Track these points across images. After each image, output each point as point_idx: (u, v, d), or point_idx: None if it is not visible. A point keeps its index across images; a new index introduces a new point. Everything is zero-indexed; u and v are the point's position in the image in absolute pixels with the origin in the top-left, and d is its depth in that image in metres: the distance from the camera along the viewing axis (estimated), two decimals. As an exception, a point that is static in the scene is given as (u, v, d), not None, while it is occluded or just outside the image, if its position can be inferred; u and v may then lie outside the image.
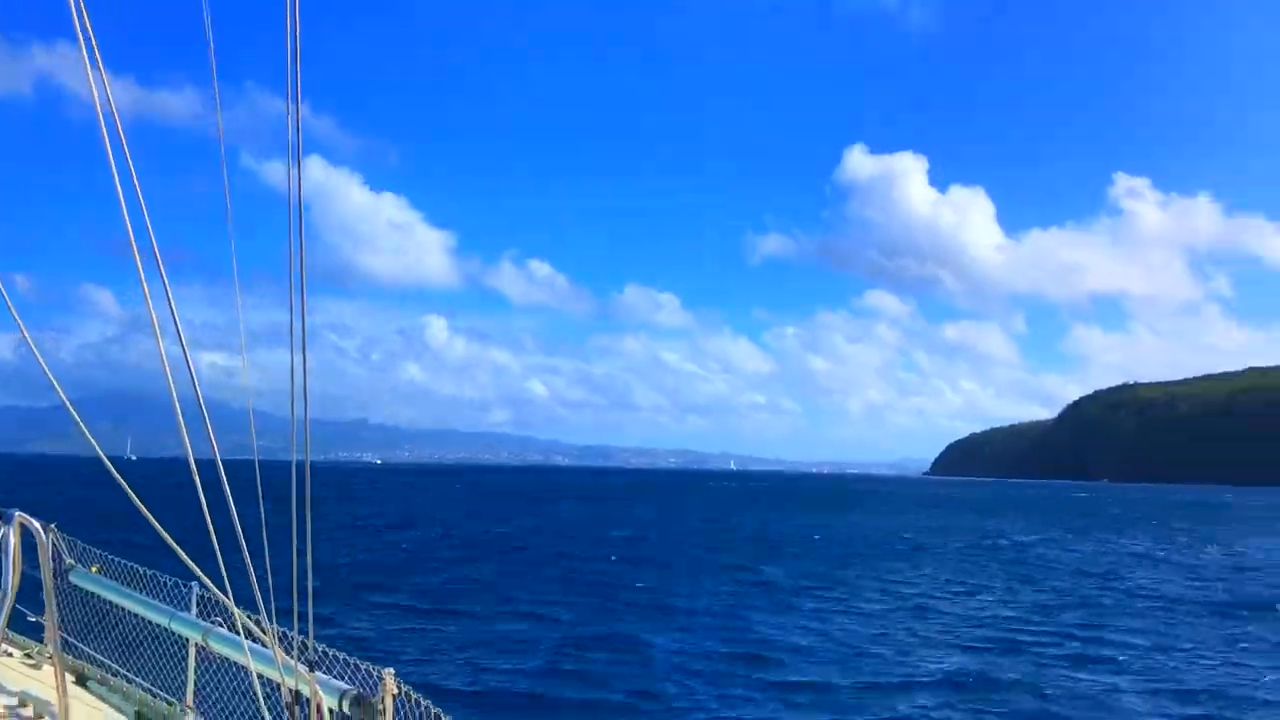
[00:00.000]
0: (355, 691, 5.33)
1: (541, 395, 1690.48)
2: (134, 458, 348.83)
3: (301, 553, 4.77)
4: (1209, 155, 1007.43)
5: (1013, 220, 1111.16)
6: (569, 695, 21.14)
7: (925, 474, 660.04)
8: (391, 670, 5.42)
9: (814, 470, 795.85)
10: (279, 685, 5.46)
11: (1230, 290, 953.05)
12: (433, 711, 5.68)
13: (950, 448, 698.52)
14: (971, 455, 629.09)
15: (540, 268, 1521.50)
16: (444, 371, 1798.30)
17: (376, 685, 5.49)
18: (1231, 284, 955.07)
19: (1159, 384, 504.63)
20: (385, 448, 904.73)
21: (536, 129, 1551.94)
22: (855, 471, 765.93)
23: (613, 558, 49.74)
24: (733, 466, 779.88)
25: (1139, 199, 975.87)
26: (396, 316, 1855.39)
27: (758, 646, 26.54)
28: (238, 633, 5.72)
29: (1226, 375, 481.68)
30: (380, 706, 5.32)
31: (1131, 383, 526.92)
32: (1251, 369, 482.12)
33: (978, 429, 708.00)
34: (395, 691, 5.43)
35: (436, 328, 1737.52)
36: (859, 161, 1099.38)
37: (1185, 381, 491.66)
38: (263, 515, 4.61)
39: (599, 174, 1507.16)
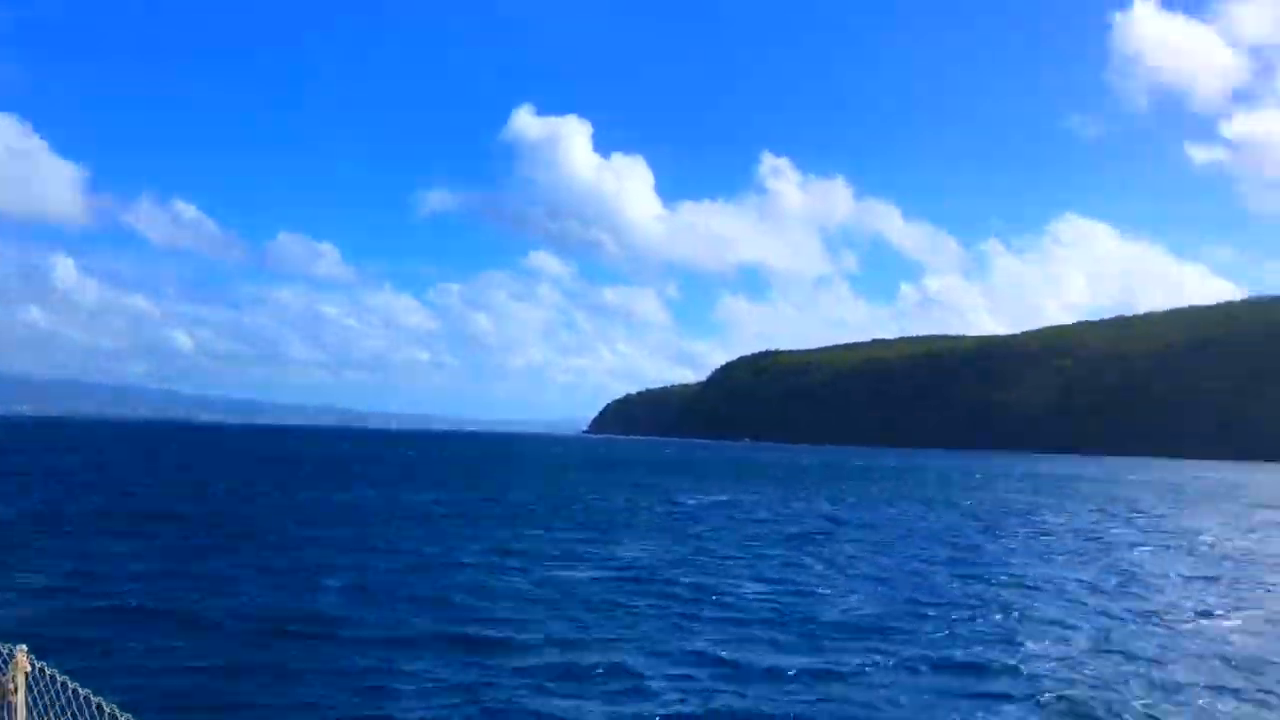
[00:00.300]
0: None
1: (186, 346, 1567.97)
2: None
3: None
4: (844, 140, 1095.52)
5: (670, 191, 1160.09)
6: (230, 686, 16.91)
7: (584, 432, 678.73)
8: (24, 646, 4.92)
9: (477, 429, 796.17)
10: None
11: (858, 268, 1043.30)
12: (70, 686, 5.15)
13: (608, 407, 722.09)
14: (627, 415, 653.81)
15: (184, 208, 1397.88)
16: (74, 317, 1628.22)
17: (5, 664, 4.99)
18: (859, 262, 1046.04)
19: (798, 351, 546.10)
20: (2, 401, 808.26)
21: (181, 54, 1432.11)
22: (518, 430, 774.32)
23: (268, 547, 44.22)
24: (394, 426, 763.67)
25: (782, 178, 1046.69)
26: (14, 255, 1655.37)
27: (443, 646, 22.86)
28: None
29: (855, 345, 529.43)
30: (11, 685, 4.87)
31: (773, 350, 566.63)
32: (876, 340, 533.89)
33: (633, 390, 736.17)
34: (28, 669, 4.94)
35: (63, 269, 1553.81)
36: (526, 122, 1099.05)
37: (821, 350, 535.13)
38: None
39: (250, 110, 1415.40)
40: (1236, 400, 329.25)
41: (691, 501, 71.11)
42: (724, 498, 76.81)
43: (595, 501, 67.48)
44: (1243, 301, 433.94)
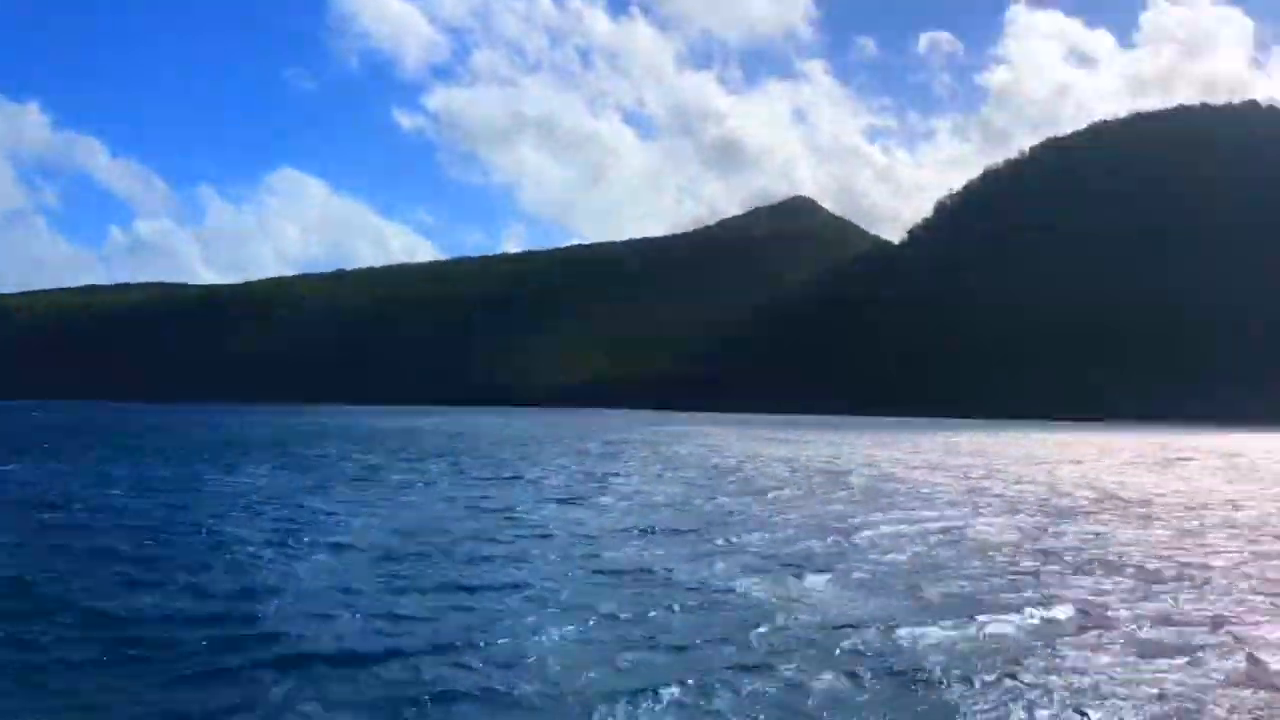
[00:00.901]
0: None
1: None
2: None
3: None
4: (37, 64, 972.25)
5: None
6: None
7: None
8: None
9: None
10: None
11: (60, 204, 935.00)
12: None
13: None
14: None
15: None
16: None
17: None
18: (61, 198, 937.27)
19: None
20: None
21: None
22: None
23: None
24: None
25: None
26: None
27: None
28: None
29: (64, 290, 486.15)
30: None
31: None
32: (91, 286, 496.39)
33: None
34: None
35: None
36: None
37: (21, 295, 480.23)
38: None
39: None
40: (446, 350, 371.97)
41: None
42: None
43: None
44: (447, 261, 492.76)
